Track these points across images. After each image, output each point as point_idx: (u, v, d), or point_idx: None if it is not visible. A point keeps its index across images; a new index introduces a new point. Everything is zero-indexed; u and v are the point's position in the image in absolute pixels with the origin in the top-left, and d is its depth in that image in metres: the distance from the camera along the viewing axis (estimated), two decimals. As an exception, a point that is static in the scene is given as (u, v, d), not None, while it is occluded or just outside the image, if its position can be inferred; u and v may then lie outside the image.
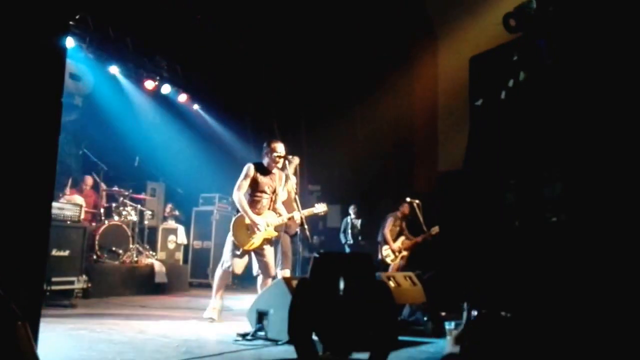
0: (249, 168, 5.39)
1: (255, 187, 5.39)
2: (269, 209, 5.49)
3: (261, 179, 5.39)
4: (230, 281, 5.72)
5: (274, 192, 5.52)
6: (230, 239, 5.38)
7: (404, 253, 8.47)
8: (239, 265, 5.39)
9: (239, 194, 5.31)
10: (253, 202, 5.38)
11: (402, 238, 8.58)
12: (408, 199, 8.51)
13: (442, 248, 8.26)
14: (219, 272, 5.45)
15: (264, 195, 5.43)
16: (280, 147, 5.47)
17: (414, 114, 10.76)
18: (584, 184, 2.49)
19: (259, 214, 5.37)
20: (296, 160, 6.20)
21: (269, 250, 5.46)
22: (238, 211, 5.39)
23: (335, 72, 10.78)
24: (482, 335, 2.61)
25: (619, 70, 2.49)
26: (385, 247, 8.59)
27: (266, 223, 5.36)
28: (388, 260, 8.49)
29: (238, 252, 5.31)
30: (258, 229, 5.29)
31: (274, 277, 5.44)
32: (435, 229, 8.13)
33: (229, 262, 5.34)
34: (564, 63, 2.59)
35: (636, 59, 2.46)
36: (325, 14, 9.58)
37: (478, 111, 2.92)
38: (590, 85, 2.53)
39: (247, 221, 5.30)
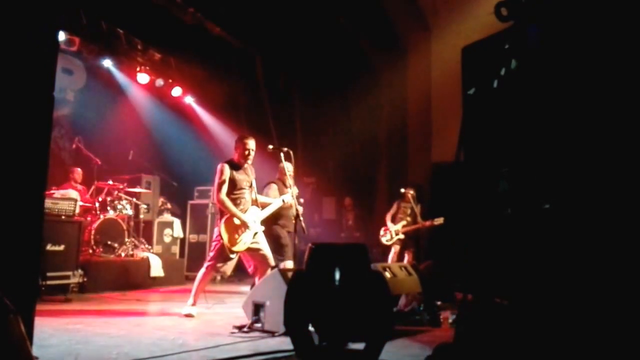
0: (224, 167, 5.30)
1: (233, 186, 5.30)
2: (252, 204, 5.46)
3: (237, 175, 5.32)
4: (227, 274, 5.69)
5: (251, 185, 5.47)
6: (219, 242, 5.22)
7: (401, 236, 8.48)
8: (230, 267, 5.38)
9: (222, 196, 5.21)
10: (235, 201, 5.29)
11: (403, 222, 8.57)
12: (402, 190, 8.53)
13: (438, 238, 8.30)
14: (202, 272, 5.33)
15: (243, 191, 5.37)
16: (251, 143, 5.43)
17: (407, 104, 10.74)
18: (574, 170, 2.50)
19: (244, 211, 5.33)
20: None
21: (262, 242, 5.40)
22: (221, 214, 5.30)
23: (329, 64, 10.75)
24: (475, 322, 2.63)
25: (609, 57, 2.50)
26: (383, 229, 8.67)
27: (253, 220, 5.33)
28: (383, 240, 8.56)
29: (232, 256, 5.24)
30: (248, 227, 5.26)
31: (273, 267, 5.41)
32: (439, 220, 8.06)
33: (220, 265, 5.27)
34: (555, 50, 2.60)
35: (627, 45, 2.47)
36: (319, 5, 9.53)
37: (471, 100, 2.92)
38: (581, 71, 2.54)
39: (236, 222, 5.23)
